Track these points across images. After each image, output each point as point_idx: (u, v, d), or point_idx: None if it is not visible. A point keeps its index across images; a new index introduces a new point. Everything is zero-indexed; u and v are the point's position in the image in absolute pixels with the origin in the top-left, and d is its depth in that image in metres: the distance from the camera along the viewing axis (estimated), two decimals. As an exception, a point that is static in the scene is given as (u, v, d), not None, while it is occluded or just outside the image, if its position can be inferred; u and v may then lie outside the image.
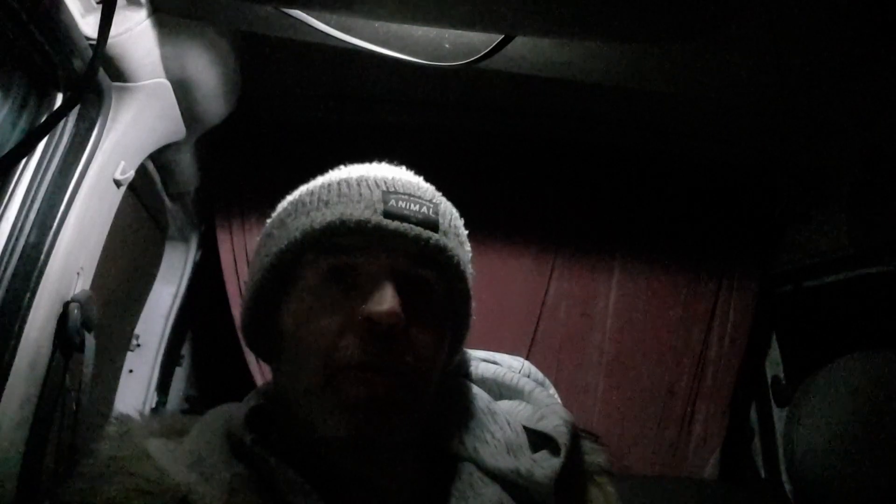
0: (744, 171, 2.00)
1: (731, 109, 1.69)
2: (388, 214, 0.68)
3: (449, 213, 0.75)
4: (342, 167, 0.78)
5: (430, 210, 0.71)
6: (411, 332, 0.67)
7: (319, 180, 0.77)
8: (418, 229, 0.69)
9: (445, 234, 0.72)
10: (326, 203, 0.71)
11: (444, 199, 0.77)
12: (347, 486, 0.71)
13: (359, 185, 0.71)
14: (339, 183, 0.73)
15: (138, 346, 1.80)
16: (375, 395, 0.65)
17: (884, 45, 1.16)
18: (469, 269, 0.76)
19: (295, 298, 0.71)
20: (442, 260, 0.71)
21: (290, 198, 0.78)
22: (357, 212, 0.68)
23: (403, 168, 0.80)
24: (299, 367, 0.69)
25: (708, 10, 1.01)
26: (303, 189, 0.77)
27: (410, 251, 0.69)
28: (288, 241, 0.70)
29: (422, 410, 0.71)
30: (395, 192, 0.70)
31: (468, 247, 0.79)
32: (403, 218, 0.68)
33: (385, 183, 0.71)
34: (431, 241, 0.69)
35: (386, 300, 0.65)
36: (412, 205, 0.70)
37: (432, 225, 0.70)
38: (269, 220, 0.78)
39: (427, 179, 0.80)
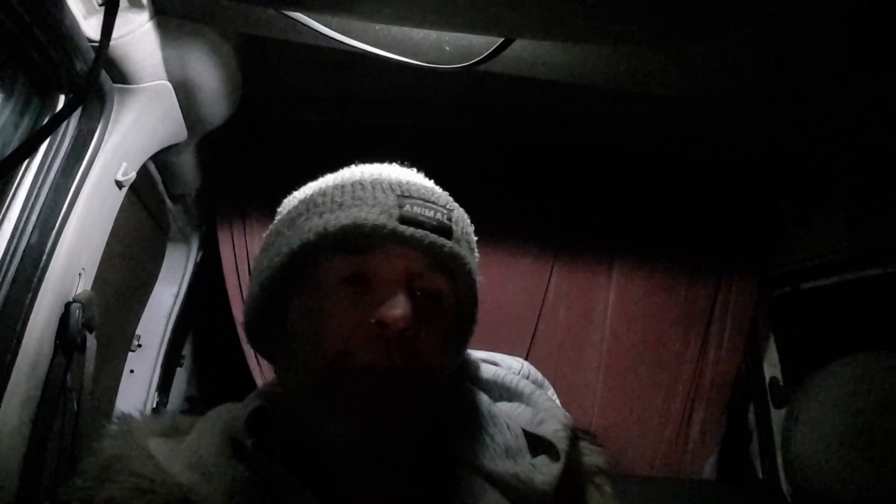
0: (742, 173, 2.00)
1: (730, 111, 1.70)
2: (403, 220, 0.68)
3: (462, 219, 0.75)
4: (352, 167, 0.78)
5: (444, 216, 0.70)
6: (420, 336, 0.67)
7: (331, 180, 0.76)
8: (433, 236, 0.68)
9: (458, 241, 0.71)
10: (340, 205, 0.70)
11: (456, 206, 0.76)
12: (347, 490, 0.71)
13: (373, 187, 0.71)
14: (352, 185, 0.72)
15: (139, 346, 1.80)
16: (383, 397, 0.65)
17: (883, 45, 1.16)
18: (477, 275, 0.77)
19: (306, 298, 0.71)
20: (454, 267, 0.71)
21: (299, 196, 0.77)
22: (372, 216, 0.67)
23: (414, 170, 0.79)
24: (307, 367, 0.69)
25: (707, 13, 1.02)
26: (314, 188, 0.76)
27: (424, 257, 0.69)
28: (301, 242, 0.70)
29: (426, 414, 0.71)
30: (410, 197, 0.70)
31: (477, 254, 0.78)
32: (418, 224, 0.68)
33: (399, 187, 0.71)
34: (446, 249, 0.69)
35: (399, 305, 0.65)
36: (427, 211, 0.69)
37: (446, 232, 0.70)
38: (277, 218, 0.77)
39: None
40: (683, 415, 1.95)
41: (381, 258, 0.68)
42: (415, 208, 0.69)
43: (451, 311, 0.73)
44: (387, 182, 0.71)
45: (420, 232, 0.68)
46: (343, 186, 0.72)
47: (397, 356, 0.66)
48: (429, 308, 0.69)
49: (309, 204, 0.73)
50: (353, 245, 0.68)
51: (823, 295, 1.87)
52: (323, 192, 0.73)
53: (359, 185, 0.72)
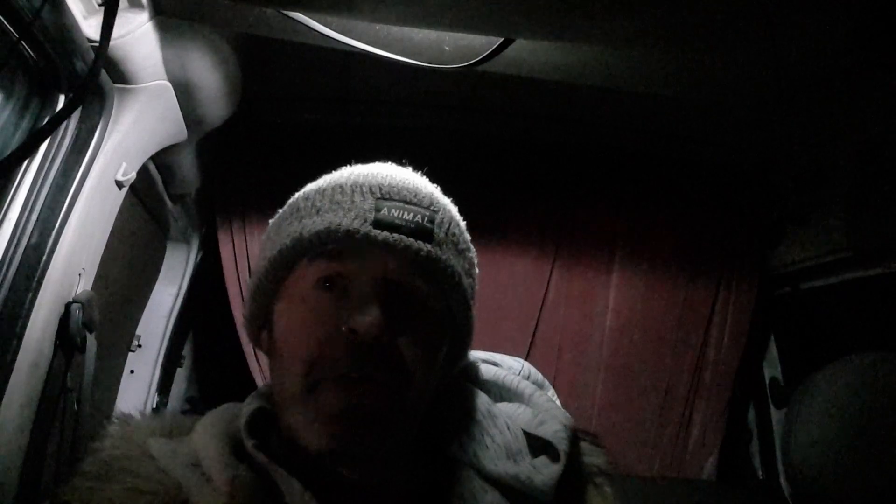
0: (743, 173, 2.00)
1: (730, 111, 1.70)
2: (378, 224, 0.66)
3: (447, 220, 0.72)
4: (343, 169, 0.76)
5: (425, 218, 0.69)
6: (400, 343, 0.66)
7: (317, 183, 0.76)
8: (409, 240, 0.67)
9: (440, 244, 0.69)
10: (318, 210, 0.70)
11: (444, 205, 0.74)
12: (346, 491, 0.71)
13: (352, 191, 0.70)
14: (332, 189, 0.71)
15: (139, 346, 1.80)
16: (357, 406, 0.64)
17: (883, 45, 1.16)
18: (468, 279, 0.74)
19: (286, 304, 0.71)
20: (435, 270, 0.69)
21: (291, 199, 0.77)
22: (346, 221, 0.67)
23: (409, 169, 0.77)
24: (284, 373, 0.69)
25: (707, 14, 1.02)
26: (302, 192, 0.76)
27: (402, 261, 0.68)
28: (280, 248, 0.70)
29: (408, 422, 0.70)
30: (389, 199, 0.68)
31: (471, 254, 0.76)
32: (394, 227, 0.67)
33: (380, 189, 0.70)
34: (422, 253, 0.67)
35: (371, 311, 0.64)
36: (405, 213, 0.68)
37: (425, 234, 0.68)
38: (271, 221, 0.78)
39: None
40: (683, 415, 1.95)
41: (358, 262, 0.67)
42: (392, 211, 0.67)
43: (436, 316, 0.71)
44: (367, 185, 0.70)
45: (394, 236, 0.66)
46: (324, 190, 0.72)
47: (372, 365, 0.64)
48: (409, 313, 0.68)
49: (293, 208, 0.74)
50: (329, 250, 0.68)
51: (823, 295, 1.87)
52: (306, 197, 0.73)
53: (339, 188, 0.71)
